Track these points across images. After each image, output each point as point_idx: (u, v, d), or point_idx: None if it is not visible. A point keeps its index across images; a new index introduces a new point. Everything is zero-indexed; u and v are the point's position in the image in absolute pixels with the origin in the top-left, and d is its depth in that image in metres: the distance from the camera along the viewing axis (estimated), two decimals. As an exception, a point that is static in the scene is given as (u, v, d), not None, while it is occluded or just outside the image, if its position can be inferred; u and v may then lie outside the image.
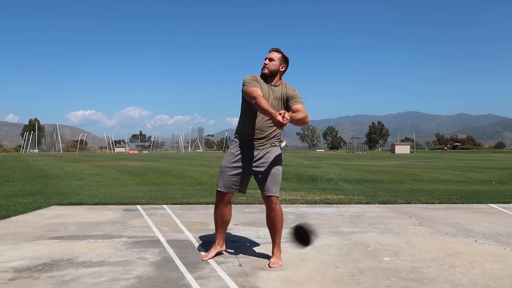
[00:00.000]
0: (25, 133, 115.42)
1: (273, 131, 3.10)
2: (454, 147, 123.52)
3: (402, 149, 74.49)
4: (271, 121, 2.93)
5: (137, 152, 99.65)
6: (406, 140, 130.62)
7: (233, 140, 3.23)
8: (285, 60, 3.12)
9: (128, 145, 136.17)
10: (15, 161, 31.47)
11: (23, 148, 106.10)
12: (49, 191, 8.50)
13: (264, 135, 3.08)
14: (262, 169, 3.05)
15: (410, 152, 73.42)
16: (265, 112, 2.81)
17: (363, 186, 10.24)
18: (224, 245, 3.28)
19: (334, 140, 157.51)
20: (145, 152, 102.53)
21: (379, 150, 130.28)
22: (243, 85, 3.02)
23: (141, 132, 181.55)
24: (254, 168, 3.07)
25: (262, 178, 3.05)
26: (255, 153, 3.07)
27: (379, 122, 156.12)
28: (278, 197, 3.07)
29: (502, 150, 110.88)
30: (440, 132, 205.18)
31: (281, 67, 3.10)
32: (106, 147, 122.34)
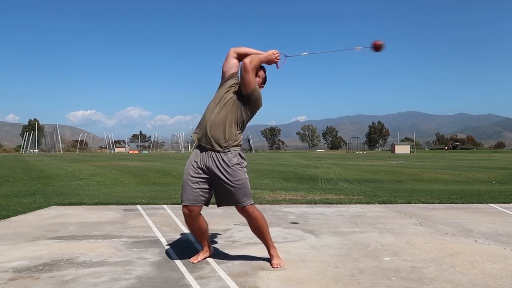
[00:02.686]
0: (25, 133, 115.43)
1: (230, 133, 2.84)
2: (454, 147, 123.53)
3: (402, 149, 74.47)
4: (223, 118, 2.82)
5: (137, 152, 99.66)
6: (406, 140, 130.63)
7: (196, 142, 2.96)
8: (265, 81, 3.09)
9: (128, 145, 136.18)
10: (15, 161, 31.47)
11: (23, 148, 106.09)
12: (49, 191, 8.50)
13: (218, 137, 2.82)
14: (221, 182, 2.82)
15: (410, 152, 73.42)
16: (252, 52, 2.95)
17: (363, 186, 10.24)
18: (210, 250, 3.18)
19: (334, 140, 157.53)
20: (145, 152, 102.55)
21: (379, 150, 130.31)
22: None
23: (141, 132, 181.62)
24: (213, 180, 2.86)
25: (223, 191, 2.86)
26: (211, 161, 2.83)
27: (379, 122, 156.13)
28: (252, 204, 2.93)
29: (502, 150, 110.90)
30: (440, 132, 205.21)
31: (260, 85, 3.03)
32: (106, 147, 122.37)
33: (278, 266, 2.89)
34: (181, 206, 2.91)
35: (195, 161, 2.89)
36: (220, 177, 2.81)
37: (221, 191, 2.89)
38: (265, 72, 3.07)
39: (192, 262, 3.02)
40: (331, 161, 27.63)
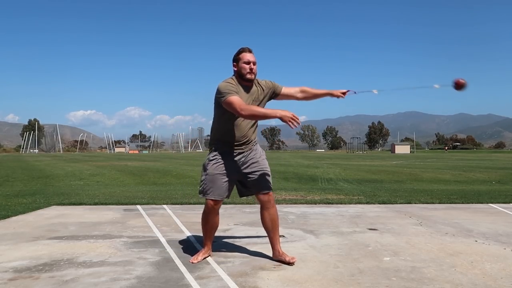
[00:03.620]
0: (25, 133, 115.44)
1: (253, 133, 3.11)
2: (454, 147, 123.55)
3: (402, 149, 74.48)
4: (250, 124, 3.03)
5: (137, 152, 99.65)
6: (406, 140, 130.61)
7: (211, 148, 3.15)
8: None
9: (128, 145, 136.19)
10: (15, 161, 31.48)
11: (23, 148, 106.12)
12: (49, 191, 8.50)
13: (248, 138, 3.08)
14: (254, 170, 3.06)
15: (410, 152, 73.42)
16: (266, 116, 2.80)
17: (363, 186, 10.24)
18: (210, 251, 3.22)
19: (334, 140, 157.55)
20: (145, 152, 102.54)
21: (379, 150, 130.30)
22: (220, 95, 2.89)
23: (141, 132, 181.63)
24: (245, 171, 3.06)
25: (257, 179, 3.06)
26: (241, 157, 3.06)
27: (379, 122, 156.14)
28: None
29: (502, 150, 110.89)
30: (440, 132, 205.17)
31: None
32: (106, 147, 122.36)
33: (295, 260, 2.98)
34: (206, 200, 3.06)
35: None
36: None
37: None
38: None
39: (192, 262, 3.02)
40: (331, 161, 27.64)
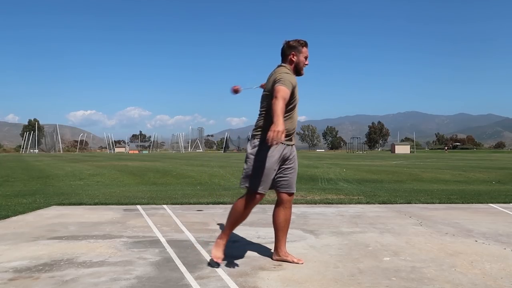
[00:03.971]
0: (25, 133, 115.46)
1: (293, 128, 3.01)
2: (454, 147, 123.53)
3: (402, 149, 74.50)
4: (289, 118, 2.90)
5: (137, 152, 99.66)
6: (406, 140, 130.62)
7: (255, 137, 2.93)
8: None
9: (128, 145, 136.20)
10: (15, 161, 31.47)
11: (23, 148, 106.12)
12: (49, 191, 8.50)
13: (291, 132, 2.98)
14: (291, 167, 3.02)
15: (410, 152, 73.43)
16: (277, 117, 2.53)
17: (363, 186, 10.24)
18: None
19: (334, 140, 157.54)
20: (145, 152, 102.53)
21: (379, 150, 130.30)
22: (282, 82, 2.72)
23: (141, 132, 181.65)
24: (286, 166, 3.00)
25: (290, 176, 3.02)
26: (287, 151, 2.97)
27: (379, 122, 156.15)
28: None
29: (502, 150, 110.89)
30: (440, 132, 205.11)
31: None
32: (106, 147, 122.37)
33: (302, 261, 2.97)
34: (257, 193, 2.89)
35: None
36: None
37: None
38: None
39: (219, 262, 2.94)
40: (331, 161, 27.63)
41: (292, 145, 3.05)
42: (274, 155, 2.87)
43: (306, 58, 2.96)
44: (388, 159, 33.58)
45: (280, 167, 2.97)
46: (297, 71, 2.96)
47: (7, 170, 17.76)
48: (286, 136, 2.88)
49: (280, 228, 3.08)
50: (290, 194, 3.08)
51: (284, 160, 2.97)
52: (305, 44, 2.96)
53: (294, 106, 2.96)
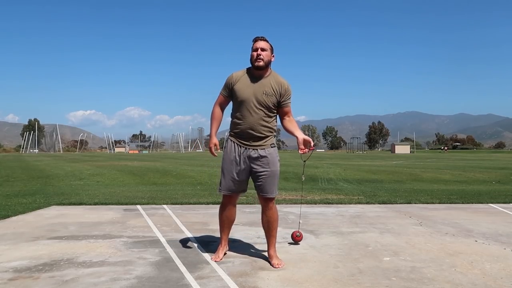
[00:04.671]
0: (25, 133, 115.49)
1: (269, 131, 3.01)
2: (454, 147, 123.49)
3: (402, 149, 74.54)
4: (265, 121, 2.96)
5: (137, 152, 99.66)
6: (406, 140, 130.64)
7: (228, 139, 3.10)
8: (272, 49, 3.03)
9: (128, 145, 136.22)
10: (15, 161, 31.47)
11: (23, 148, 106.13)
12: (49, 191, 8.49)
13: (258, 135, 2.96)
14: (263, 172, 2.97)
15: (410, 152, 73.44)
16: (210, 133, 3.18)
17: (363, 186, 10.24)
18: (227, 246, 3.28)
19: (334, 140, 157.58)
20: (145, 152, 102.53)
21: (379, 150, 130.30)
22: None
23: (141, 132, 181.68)
24: (256, 170, 2.99)
25: (263, 181, 2.99)
26: (249, 153, 2.97)
27: (379, 122, 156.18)
28: (275, 197, 3.08)
29: (502, 150, 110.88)
30: (440, 132, 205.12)
31: (272, 56, 3.01)
32: (106, 147, 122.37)
33: (279, 266, 2.91)
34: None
35: None
36: None
37: None
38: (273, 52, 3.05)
39: (216, 261, 3.03)
40: (331, 161, 27.63)
41: (256, 148, 2.97)
42: (228, 156, 3.05)
43: (254, 50, 2.95)
44: (388, 159, 33.58)
45: (252, 171, 3.00)
46: (252, 66, 3.00)
47: (7, 170, 17.76)
48: (243, 139, 2.99)
49: (265, 231, 3.12)
50: (266, 199, 3.03)
51: (250, 163, 2.98)
52: (254, 40, 3.03)
53: (241, 103, 2.96)
